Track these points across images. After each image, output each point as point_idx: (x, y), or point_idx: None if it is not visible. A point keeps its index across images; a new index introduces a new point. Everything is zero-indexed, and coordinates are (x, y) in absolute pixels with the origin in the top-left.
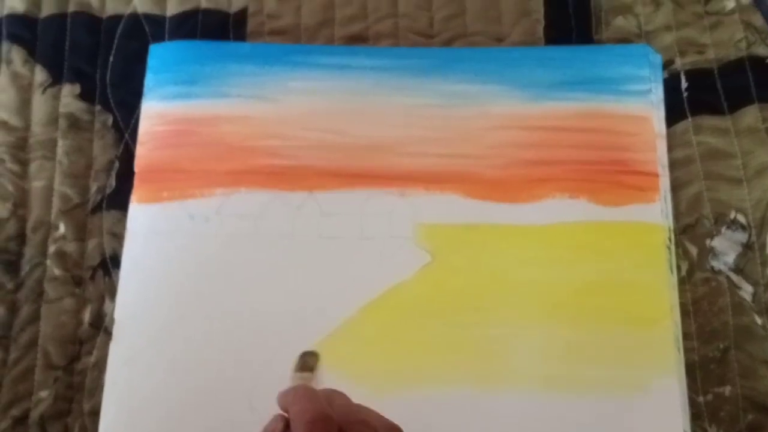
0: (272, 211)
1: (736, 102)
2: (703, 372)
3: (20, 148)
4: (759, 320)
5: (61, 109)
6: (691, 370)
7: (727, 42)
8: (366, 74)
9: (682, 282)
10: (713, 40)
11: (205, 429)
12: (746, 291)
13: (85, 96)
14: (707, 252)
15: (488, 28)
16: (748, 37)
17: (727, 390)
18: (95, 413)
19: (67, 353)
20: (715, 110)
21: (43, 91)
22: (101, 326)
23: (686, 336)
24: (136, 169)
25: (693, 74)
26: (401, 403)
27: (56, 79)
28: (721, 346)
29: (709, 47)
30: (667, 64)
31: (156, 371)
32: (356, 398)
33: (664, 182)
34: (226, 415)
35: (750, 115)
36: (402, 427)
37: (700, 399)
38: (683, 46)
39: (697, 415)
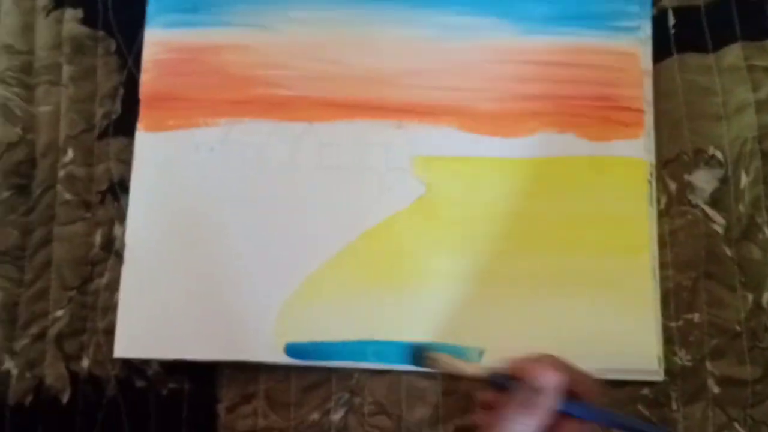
0: (274, 141)
1: (721, 40)
2: (676, 299)
3: (26, 72)
4: (728, 251)
5: (65, 34)
6: (666, 297)
7: None
8: (364, 5)
9: (660, 214)
10: None
11: (211, 347)
12: (719, 224)
13: (88, 20)
14: (685, 186)
15: None
16: None
17: (696, 316)
18: (109, 331)
19: (80, 274)
20: (700, 48)
21: (47, 15)
22: (111, 249)
23: (663, 265)
24: (141, 97)
25: (680, 11)
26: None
27: (59, 2)
28: (693, 274)
29: None
30: (656, 1)
31: (165, 291)
32: (352, 321)
33: (648, 119)
34: (234, 334)
35: (733, 53)
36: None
37: (673, 324)
38: None
39: (668, 339)
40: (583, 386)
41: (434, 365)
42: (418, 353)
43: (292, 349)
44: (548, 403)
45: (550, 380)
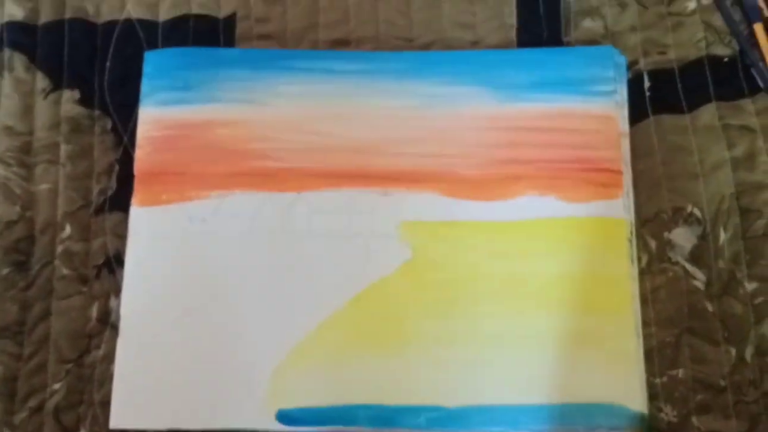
0: (264, 211)
1: (695, 101)
2: (660, 356)
3: (25, 152)
4: (710, 307)
5: (63, 114)
6: (649, 354)
7: (687, 42)
8: (349, 78)
9: (642, 272)
10: (675, 41)
11: (206, 416)
12: (700, 280)
13: (85, 101)
14: (665, 244)
15: (464, 33)
16: (707, 37)
17: (680, 372)
18: (105, 403)
19: (78, 347)
20: (676, 109)
21: (45, 97)
22: (108, 321)
23: (645, 323)
24: (135, 173)
25: (655, 74)
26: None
27: (57, 84)
28: (676, 331)
29: (671, 47)
30: (631, 65)
31: (160, 361)
32: (343, 386)
33: (627, 179)
34: (227, 402)
35: (708, 113)
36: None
37: (657, 381)
38: (647, 46)
39: (653, 395)
40: None
41: None
42: None
43: (283, 416)
44: None
45: None
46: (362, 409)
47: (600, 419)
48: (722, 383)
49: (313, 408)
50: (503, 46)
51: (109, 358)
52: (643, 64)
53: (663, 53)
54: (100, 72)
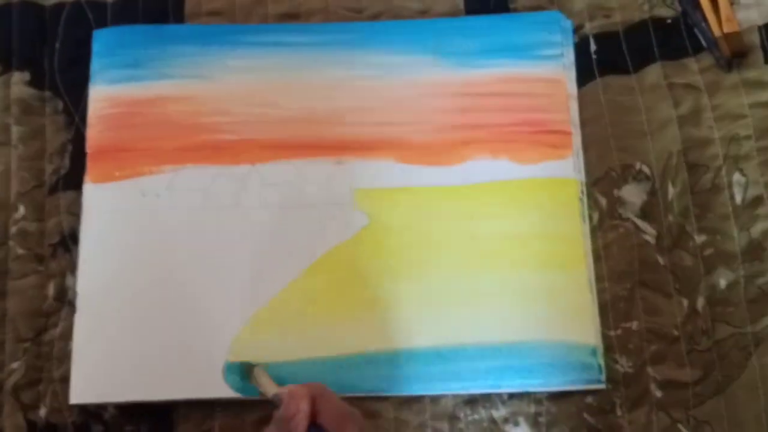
0: (218, 184)
1: (641, 61)
2: (613, 309)
3: None
4: (661, 260)
5: (13, 96)
6: (603, 308)
7: (631, 5)
8: (299, 50)
9: (593, 230)
10: (619, 4)
11: (165, 388)
12: (650, 234)
13: (35, 83)
14: (615, 201)
15: (412, 2)
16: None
17: (633, 324)
18: (65, 379)
19: (35, 326)
20: (622, 70)
21: None
22: (65, 300)
23: (599, 278)
24: (87, 151)
25: (601, 37)
26: (346, 357)
27: (6, 67)
28: (629, 285)
29: (615, 11)
30: (577, 29)
31: (118, 336)
32: (303, 354)
33: (576, 139)
34: (188, 368)
35: (653, 72)
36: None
37: (612, 333)
38: (592, 10)
39: (609, 348)
40: (335, 418)
41: (254, 382)
42: (248, 370)
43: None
44: (292, 429)
45: (293, 409)
46: (318, 362)
47: (558, 373)
48: (675, 333)
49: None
50: (451, 14)
51: (67, 335)
52: (588, 28)
53: (608, 17)
54: (50, 53)
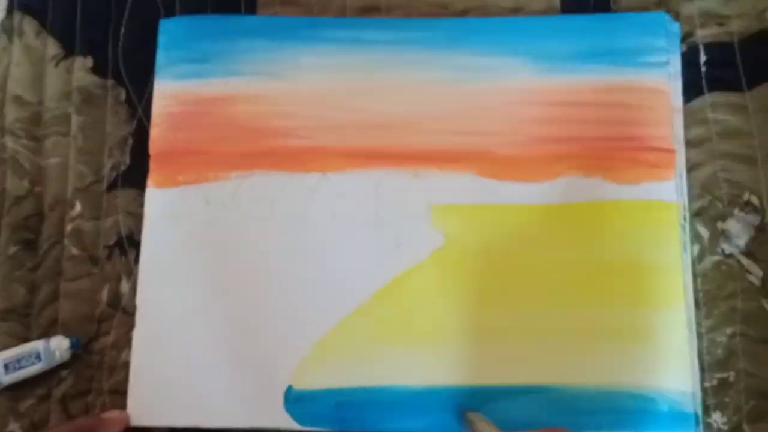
0: (286, 194)
1: (757, 77)
2: (710, 357)
3: (35, 124)
4: (766, 305)
5: (74, 83)
6: (698, 355)
7: (749, 13)
8: (378, 48)
9: (692, 265)
10: (736, 11)
11: (224, 414)
12: (756, 275)
13: (98, 69)
14: (719, 234)
15: None
16: None
17: (731, 375)
18: (115, 392)
19: (86, 332)
20: (734, 86)
21: (56, 64)
22: (118, 306)
23: (695, 321)
24: (151, 152)
25: (712, 47)
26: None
27: (69, 51)
28: (728, 330)
29: (731, 19)
30: (686, 36)
31: (177, 357)
32: (373, 382)
33: (680, 158)
34: (248, 394)
35: None
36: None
37: (706, 384)
38: (705, 17)
39: (702, 400)
40: None
41: (470, 425)
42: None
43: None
44: None
45: None
46: (384, 391)
47: (649, 424)
48: None
49: (329, 389)
50: (546, 13)
51: (119, 344)
52: (699, 36)
53: (722, 24)
54: (114, 39)
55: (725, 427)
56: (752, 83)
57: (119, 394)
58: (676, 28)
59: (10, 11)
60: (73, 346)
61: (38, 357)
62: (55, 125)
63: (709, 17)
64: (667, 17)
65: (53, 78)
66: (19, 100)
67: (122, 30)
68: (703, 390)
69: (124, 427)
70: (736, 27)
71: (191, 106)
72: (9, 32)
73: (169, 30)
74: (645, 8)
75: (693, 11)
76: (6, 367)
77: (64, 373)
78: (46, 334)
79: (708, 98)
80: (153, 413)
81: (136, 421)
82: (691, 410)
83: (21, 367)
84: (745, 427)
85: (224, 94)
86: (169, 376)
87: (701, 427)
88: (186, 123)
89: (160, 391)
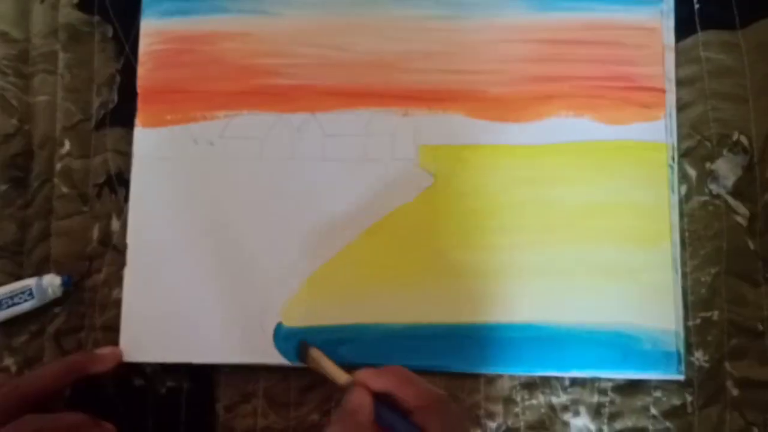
0: (275, 133)
1: (750, 14)
2: (694, 296)
3: (22, 61)
4: (751, 244)
5: (60, 20)
6: (682, 294)
7: None
8: None
9: (679, 205)
10: None
11: (213, 350)
12: (742, 215)
13: (84, 5)
14: (707, 175)
15: None
16: None
17: (714, 314)
18: (107, 328)
19: (78, 270)
20: (727, 24)
21: (42, 1)
22: (109, 244)
23: (680, 259)
24: (138, 90)
25: None
26: (402, 327)
27: None
28: (713, 270)
29: None
30: None
31: (167, 294)
32: (357, 320)
33: (670, 98)
34: (238, 330)
35: (763, 29)
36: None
37: (689, 323)
38: None
39: (684, 338)
40: (418, 399)
41: (312, 364)
42: (303, 349)
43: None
44: (359, 419)
45: (357, 400)
46: (371, 328)
47: (633, 361)
48: (760, 327)
49: (318, 326)
50: None
51: (111, 282)
52: None
53: None
54: None
55: (707, 365)
56: (745, 21)
57: (111, 331)
58: None
59: None
60: (64, 283)
61: (30, 294)
62: (42, 63)
63: None
64: None
65: (39, 14)
66: (5, 36)
67: None
68: (686, 328)
69: (117, 362)
70: None
71: (177, 44)
72: None
73: None
74: None
75: None
76: None
77: (56, 309)
78: (38, 271)
79: (700, 37)
80: (144, 349)
81: (128, 356)
82: (674, 348)
83: (14, 304)
84: (726, 364)
85: (210, 32)
86: (160, 313)
87: (683, 364)
88: (172, 61)
89: (151, 327)
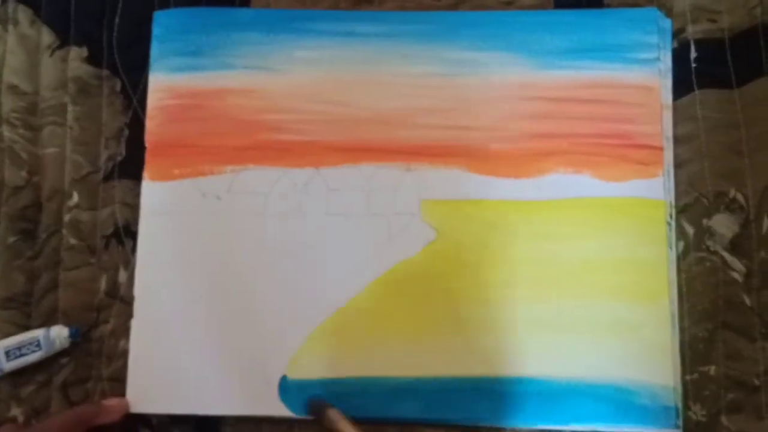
0: (280, 188)
1: (747, 75)
2: (691, 351)
3: (31, 113)
4: (747, 300)
5: (70, 73)
6: (680, 348)
7: (741, 9)
8: (371, 42)
9: (677, 260)
10: (727, 6)
11: (220, 402)
12: (739, 271)
13: (93, 60)
14: (704, 231)
15: None
16: (763, 2)
17: (711, 369)
18: (114, 379)
19: (85, 321)
20: (724, 83)
21: (51, 54)
22: (116, 295)
23: (678, 315)
24: (147, 145)
25: (703, 44)
26: (406, 380)
27: (63, 41)
28: (710, 325)
29: (723, 14)
30: (677, 32)
31: (174, 346)
32: (365, 372)
33: (668, 155)
34: (244, 383)
35: (759, 88)
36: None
37: (687, 377)
38: (696, 12)
39: (682, 393)
40: None
41: (328, 423)
42: (319, 408)
43: (292, 386)
44: None
45: None
46: (375, 381)
47: (630, 415)
48: (756, 382)
49: (323, 379)
50: (539, 7)
51: (118, 333)
52: (690, 32)
53: (713, 21)
54: (109, 29)
55: (704, 419)
56: (742, 81)
57: (118, 382)
58: (668, 24)
59: (4, 0)
60: (72, 335)
61: (38, 345)
62: (51, 115)
63: (700, 13)
64: (658, 13)
65: (48, 67)
66: (15, 89)
67: (116, 20)
68: (684, 382)
69: (124, 413)
70: (728, 23)
71: (185, 99)
72: (4, 21)
73: (163, 22)
74: (637, 4)
75: (685, 6)
76: (7, 354)
77: (64, 360)
78: (46, 322)
79: (698, 95)
80: (151, 400)
81: (135, 408)
82: (672, 403)
83: (22, 355)
84: (723, 418)
85: (218, 88)
86: (167, 364)
87: (681, 419)
88: (180, 116)
89: (158, 379)
